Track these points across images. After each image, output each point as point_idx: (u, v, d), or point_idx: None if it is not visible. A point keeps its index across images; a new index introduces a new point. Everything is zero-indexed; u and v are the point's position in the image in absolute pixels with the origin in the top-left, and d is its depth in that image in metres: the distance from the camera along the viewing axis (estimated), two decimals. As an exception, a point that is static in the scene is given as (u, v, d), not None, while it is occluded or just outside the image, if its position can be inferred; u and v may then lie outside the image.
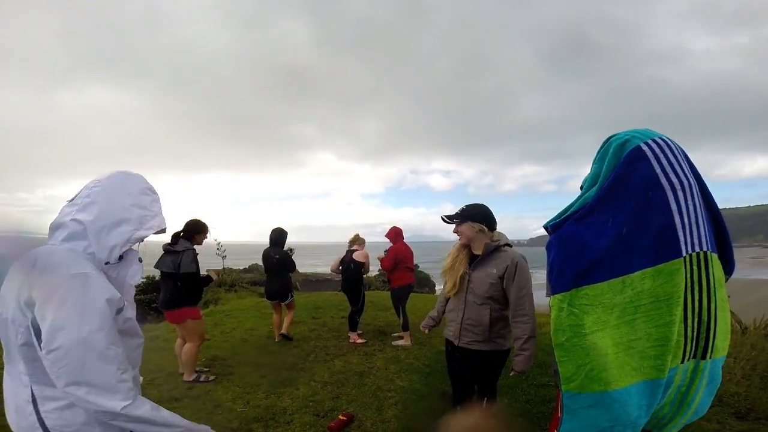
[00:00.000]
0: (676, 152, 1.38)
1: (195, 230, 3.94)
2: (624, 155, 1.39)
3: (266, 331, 5.98)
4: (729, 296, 1.48)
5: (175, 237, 3.85)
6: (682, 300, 1.31)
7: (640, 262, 1.34)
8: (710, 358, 1.37)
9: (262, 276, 14.53)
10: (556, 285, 1.43)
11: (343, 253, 5.60)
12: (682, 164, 1.36)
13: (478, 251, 2.39)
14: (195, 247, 3.91)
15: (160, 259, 3.84)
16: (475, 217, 2.36)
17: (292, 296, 5.46)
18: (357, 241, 5.63)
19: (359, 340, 5.35)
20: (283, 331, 5.56)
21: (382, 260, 5.34)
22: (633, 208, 1.35)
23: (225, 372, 4.27)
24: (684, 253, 1.30)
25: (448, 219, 2.43)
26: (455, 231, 2.43)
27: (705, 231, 1.34)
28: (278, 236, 5.40)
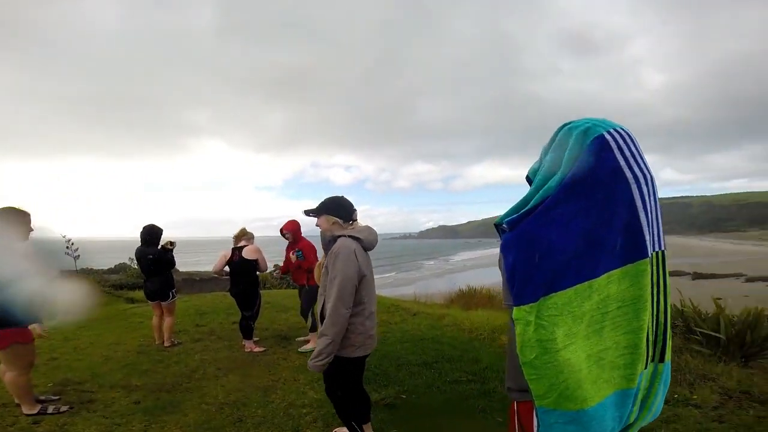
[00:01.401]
0: (635, 143, 1.32)
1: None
2: (588, 143, 1.28)
3: (136, 344, 5.03)
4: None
5: None
6: (649, 304, 1.25)
7: (607, 262, 1.24)
8: (666, 360, 1.35)
9: (132, 278, 12.52)
10: (520, 294, 1.22)
11: (228, 252, 4.86)
12: (642, 156, 1.31)
13: None
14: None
15: None
16: (329, 209, 2.40)
17: (173, 296, 4.98)
18: (244, 235, 4.94)
19: (257, 349, 4.76)
20: (165, 342, 4.87)
21: (299, 262, 4.78)
22: (599, 202, 1.24)
23: (83, 399, 3.39)
24: (649, 253, 1.25)
25: (309, 213, 2.45)
26: (317, 225, 2.45)
27: (661, 228, 1.31)
28: (149, 234, 4.90)
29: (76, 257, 10.14)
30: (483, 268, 43.84)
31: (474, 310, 7.84)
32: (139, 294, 9.85)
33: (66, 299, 2.75)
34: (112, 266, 17.43)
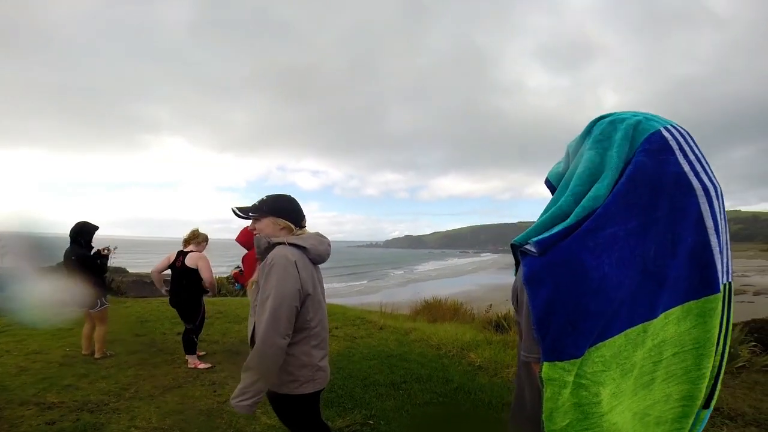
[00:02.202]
0: (697, 145, 1.04)
1: None
2: (642, 141, 0.98)
3: (60, 354, 4.38)
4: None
5: None
6: (714, 348, 0.96)
7: (668, 299, 0.95)
8: (711, 406, 1.07)
9: None
10: (557, 347, 0.88)
11: (173, 255, 4.26)
12: (707, 161, 1.03)
13: None
14: None
15: None
16: (277, 210, 1.86)
17: (102, 304, 4.46)
18: (195, 238, 4.33)
19: (201, 365, 4.19)
20: (96, 354, 4.38)
21: (236, 275, 4.27)
22: (661, 219, 0.93)
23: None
24: (720, 286, 0.96)
25: (242, 213, 1.87)
26: (251, 228, 1.88)
27: (730, 253, 1.03)
28: (78, 233, 4.42)
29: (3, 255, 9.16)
30: (447, 279, 44.13)
31: (440, 323, 7.57)
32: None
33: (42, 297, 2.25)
34: (54, 264, 15.93)
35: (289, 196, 1.92)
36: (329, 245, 1.92)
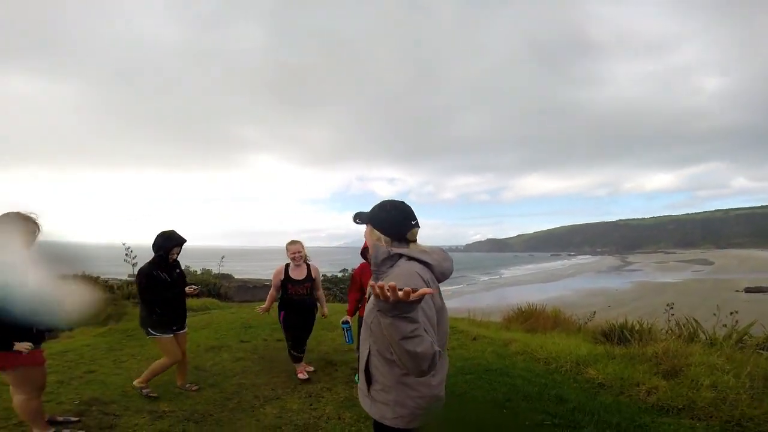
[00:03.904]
0: None
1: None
2: None
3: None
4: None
5: None
6: None
7: None
8: None
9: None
10: None
11: (281, 268, 4.08)
12: None
13: None
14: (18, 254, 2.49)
15: None
16: (375, 220, 1.65)
17: (148, 333, 3.52)
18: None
19: (308, 368, 4.26)
20: (135, 381, 3.69)
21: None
22: None
23: (103, 424, 2.99)
24: None
25: (356, 219, 1.74)
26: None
27: None
28: (153, 243, 3.54)
29: (134, 264, 10.44)
30: (537, 284, 41.47)
31: (542, 333, 6.88)
32: (193, 302, 9.82)
33: (68, 303, 2.36)
34: (77, 272, 17.84)
35: (395, 203, 1.66)
36: (452, 261, 1.64)
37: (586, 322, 8.03)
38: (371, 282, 1.19)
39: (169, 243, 3.51)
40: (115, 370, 4.34)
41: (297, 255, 4.03)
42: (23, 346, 2.49)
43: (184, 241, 3.62)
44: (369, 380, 1.56)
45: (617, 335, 5.50)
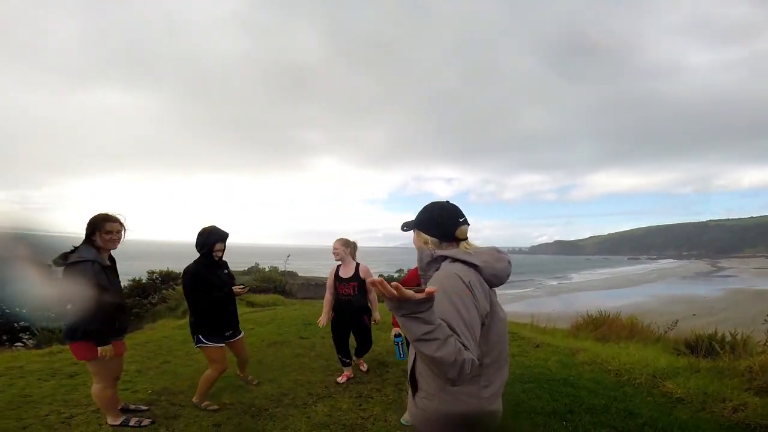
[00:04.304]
0: None
1: (92, 228, 2.78)
2: None
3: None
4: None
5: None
6: None
7: None
8: None
9: (258, 281, 13.31)
10: None
11: (345, 268, 3.94)
12: None
13: None
14: (100, 251, 2.78)
15: None
16: (421, 223, 1.60)
17: (199, 341, 3.25)
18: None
19: (362, 367, 4.31)
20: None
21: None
22: None
23: (169, 414, 3.20)
24: None
25: (404, 228, 1.71)
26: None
27: None
28: (196, 240, 3.35)
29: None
30: (611, 289, 38.46)
31: (615, 343, 6.33)
32: (260, 298, 10.36)
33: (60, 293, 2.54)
34: (245, 269, 19.16)
35: (439, 203, 1.60)
36: (509, 263, 1.50)
37: (667, 332, 7.29)
38: (370, 279, 1.11)
39: (211, 239, 3.26)
40: (187, 362, 4.66)
41: (334, 252, 3.93)
42: (106, 351, 2.72)
43: (227, 235, 3.37)
44: (414, 387, 1.49)
45: (704, 347, 4.89)
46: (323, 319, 4.01)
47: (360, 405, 3.47)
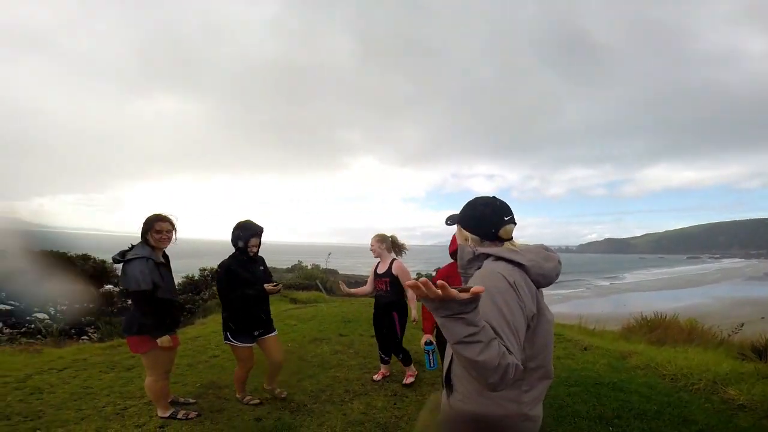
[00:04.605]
0: None
1: (145, 227, 2.95)
2: None
3: (284, 351, 5.02)
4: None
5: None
6: None
7: None
8: None
9: (300, 279, 13.64)
10: None
11: (382, 264, 3.89)
12: None
13: None
14: (154, 250, 2.95)
15: None
16: (464, 219, 1.50)
17: (227, 338, 3.26)
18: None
19: (411, 375, 3.97)
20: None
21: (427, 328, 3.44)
22: None
23: (214, 407, 3.33)
24: None
25: (449, 221, 1.59)
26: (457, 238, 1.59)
27: None
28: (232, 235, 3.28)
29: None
30: (668, 290, 36.03)
31: (671, 346, 5.92)
32: (303, 295, 10.62)
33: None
34: (289, 267, 19.75)
35: (485, 198, 1.50)
36: (559, 262, 1.40)
37: (731, 335, 6.73)
38: (408, 282, 1.03)
39: (246, 233, 3.17)
40: (233, 357, 4.85)
41: (371, 249, 3.91)
42: (165, 341, 2.88)
43: (262, 229, 3.25)
44: (449, 388, 1.42)
45: (761, 351, 4.49)
46: (346, 289, 4.03)
47: (395, 404, 3.47)
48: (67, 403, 3.43)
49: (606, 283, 48.22)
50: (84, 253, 10.19)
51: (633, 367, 4.44)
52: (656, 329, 7.80)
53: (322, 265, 16.93)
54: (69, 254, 9.80)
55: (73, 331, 8.16)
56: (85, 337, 7.98)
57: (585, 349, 5.31)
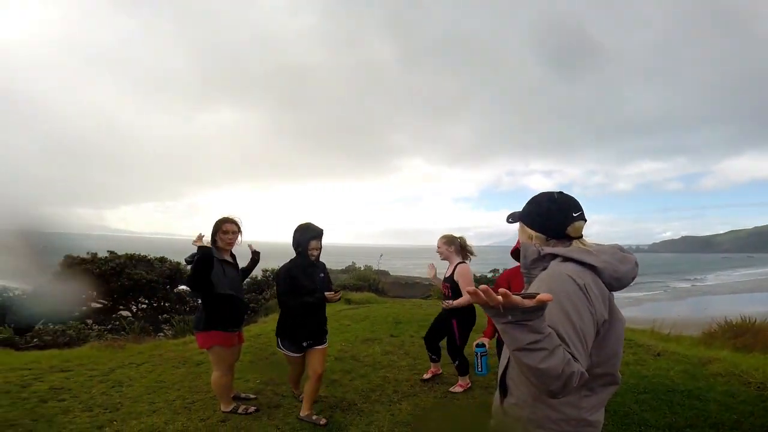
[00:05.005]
0: None
1: (214, 230, 3.17)
2: None
3: (337, 348, 5.12)
4: None
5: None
6: None
7: None
8: None
9: (354, 280, 13.90)
10: None
11: (449, 267, 3.74)
12: None
13: None
14: (222, 250, 3.16)
15: None
16: (528, 216, 1.39)
17: (279, 346, 3.19)
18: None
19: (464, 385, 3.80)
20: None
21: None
22: None
23: (272, 403, 3.48)
24: None
25: (510, 219, 1.48)
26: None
27: None
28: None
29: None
30: (757, 293, 32.16)
31: (760, 353, 5.29)
32: (356, 296, 10.83)
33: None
34: (343, 267, 20.29)
35: (550, 194, 1.37)
36: (636, 264, 1.26)
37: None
38: (468, 288, 0.92)
39: (306, 235, 3.04)
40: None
41: (438, 251, 3.74)
42: (231, 339, 3.08)
43: (322, 232, 3.10)
44: (504, 392, 1.35)
45: None
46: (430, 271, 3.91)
47: (444, 405, 3.43)
48: (143, 396, 3.71)
49: (687, 285, 44.02)
50: (161, 255, 11.18)
51: (713, 375, 4.03)
52: (743, 334, 6.99)
53: (375, 267, 17.17)
54: (149, 257, 10.79)
55: (151, 327, 8.91)
56: (161, 333, 8.68)
57: (658, 354, 4.89)
